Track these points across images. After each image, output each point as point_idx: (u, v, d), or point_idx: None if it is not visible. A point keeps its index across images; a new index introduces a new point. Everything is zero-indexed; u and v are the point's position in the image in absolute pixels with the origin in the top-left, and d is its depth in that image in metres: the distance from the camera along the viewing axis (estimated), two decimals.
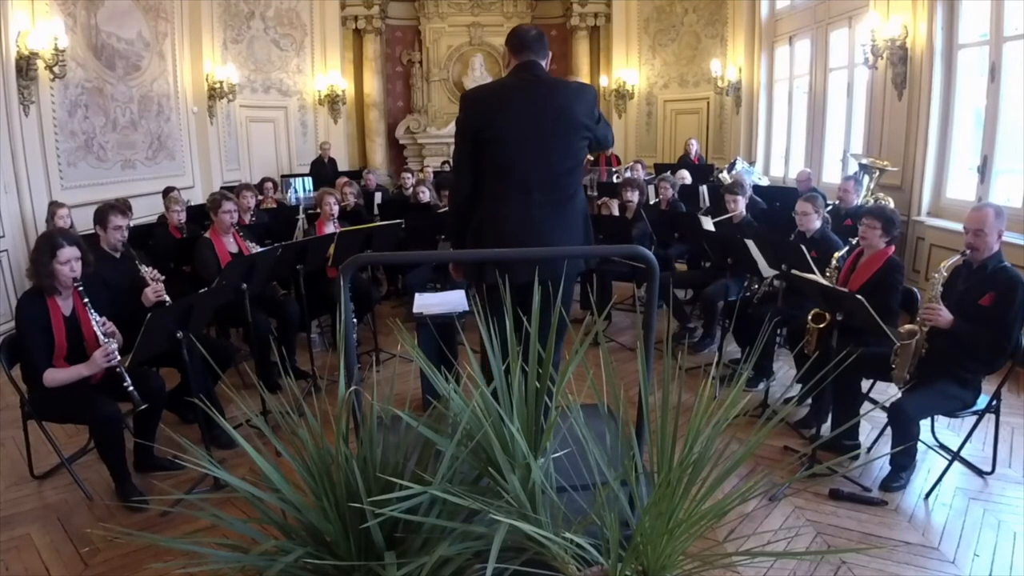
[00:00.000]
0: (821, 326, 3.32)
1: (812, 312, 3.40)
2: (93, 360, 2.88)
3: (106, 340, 2.90)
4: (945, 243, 5.38)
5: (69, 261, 2.90)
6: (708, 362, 4.51)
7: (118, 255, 3.70)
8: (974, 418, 3.04)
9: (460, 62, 11.69)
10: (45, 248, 2.90)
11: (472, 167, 2.61)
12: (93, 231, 3.80)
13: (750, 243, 3.99)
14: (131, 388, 2.87)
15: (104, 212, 3.70)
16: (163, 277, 3.52)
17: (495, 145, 2.54)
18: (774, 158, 9.44)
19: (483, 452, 1.56)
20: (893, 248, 3.41)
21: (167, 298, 3.40)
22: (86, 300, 2.93)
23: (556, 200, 2.59)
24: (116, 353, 2.90)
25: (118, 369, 2.88)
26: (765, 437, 1.51)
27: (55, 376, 2.88)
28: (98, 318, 2.94)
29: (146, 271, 3.46)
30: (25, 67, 5.56)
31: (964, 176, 5.70)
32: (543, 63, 2.65)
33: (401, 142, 11.61)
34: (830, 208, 5.02)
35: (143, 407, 2.93)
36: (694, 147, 9.63)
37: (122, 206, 3.90)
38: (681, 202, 6.24)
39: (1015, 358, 2.88)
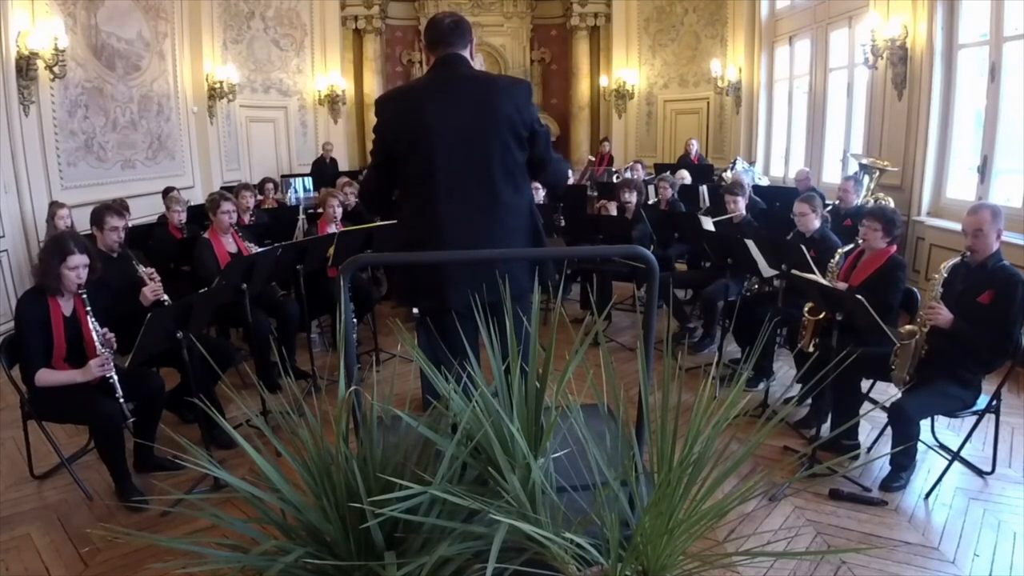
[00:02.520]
0: (817, 318, 3.32)
1: (808, 304, 3.40)
2: (88, 368, 2.88)
3: (103, 350, 2.91)
4: (945, 243, 5.38)
5: (77, 268, 2.90)
6: (708, 362, 4.51)
7: (115, 255, 3.70)
8: (974, 418, 3.04)
9: None
10: (55, 251, 2.89)
11: (384, 175, 2.41)
12: (90, 232, 3.80)
13: (750, 243, 3.99)
14: (121, 400, 2.87)
15: (100, 213, 3.70)
16: (160, 277, 3.52)
17: (416, 153, 2.24)
18: (774, 158, 9.44)
19: (483, 452, 1.56)
20: (896, 247, 3.41)
21: (165, 297, 3.39)
22: (88, 308, 2.93)
23: (493, 208, 2.29)
24: (111, 364, 2.91)
25: (110, 380, 2.89)
26: (765, 437, 1.51)
27: (48, 377, 2.88)
28: (99, 328, 2.94)
29: (144, 271, 3.46)
30: (25, 67, 5.56)
31: (964, 176, 5.70)
32: (465, 54, 2.32)
33: None
34: (830, 208, 5.02)
35: (131, 420, 2.94)
36: (694, 147, 9.62)
37: (118, 207, 3.90)
38: (681, 202, 6.24)
39: (1015, 358, 2.87)
